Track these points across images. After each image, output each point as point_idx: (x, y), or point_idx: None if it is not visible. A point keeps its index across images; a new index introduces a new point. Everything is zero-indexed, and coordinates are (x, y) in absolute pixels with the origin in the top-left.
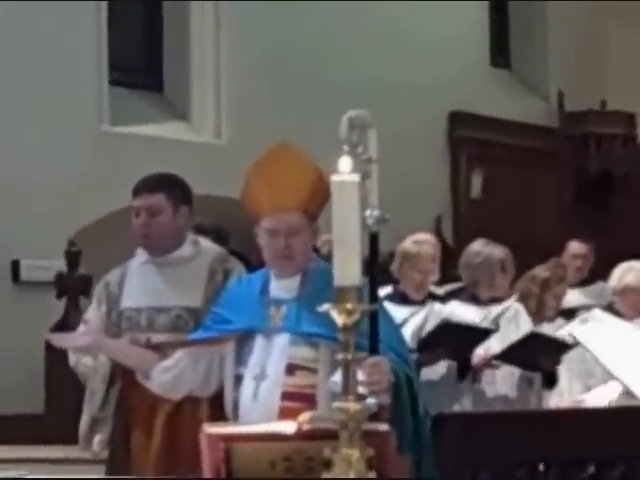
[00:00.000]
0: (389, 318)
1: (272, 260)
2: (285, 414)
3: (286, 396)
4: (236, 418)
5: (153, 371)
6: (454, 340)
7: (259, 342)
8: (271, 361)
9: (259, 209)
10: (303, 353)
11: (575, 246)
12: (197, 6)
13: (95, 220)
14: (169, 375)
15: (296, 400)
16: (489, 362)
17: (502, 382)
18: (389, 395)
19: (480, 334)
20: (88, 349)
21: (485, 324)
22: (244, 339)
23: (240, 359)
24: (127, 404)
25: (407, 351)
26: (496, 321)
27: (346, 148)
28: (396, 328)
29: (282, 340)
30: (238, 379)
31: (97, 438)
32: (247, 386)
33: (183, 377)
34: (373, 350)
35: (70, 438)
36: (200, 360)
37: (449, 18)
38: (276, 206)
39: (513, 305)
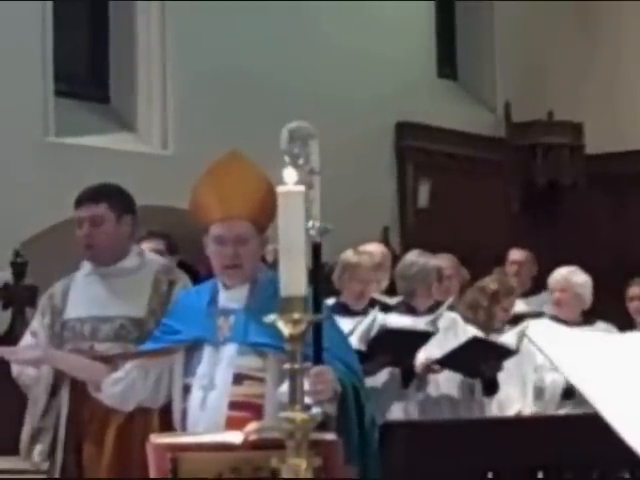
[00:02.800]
0: (337, 327)
1: (220, 269)
2: (233, 424)
3: (234, 405)
4: (184, 428)
5: (103, 383)
6: (395, 346)
7: (207, 352)
8: (219, 371)
9: (208, 217)
10: (251, 363)
11: (512, 253)
12: (143, 17)
13: (41, 231)
14: (119, 387)
15: (244, 410)
16: (431, 368)
17: (446, 383)
18: (335, 404)
19: (420, 337)
20: (37, 362)
21: (427, 326)
22: (193, 349)
23: (189, 369)
24: (77, 416)
25: (355, 361)
26: (433, 324)
27: (287, 159)
28: (344, 337)
29: (230, 350)
30: (187, 389)
31: (38, 448)
32: (195, 396)
33: (133, 388)
34: (317, 359)
35: (12, 448)
36: (150, 371)
37: (396, 30)
38: (225, 214)
39: (448, 314)
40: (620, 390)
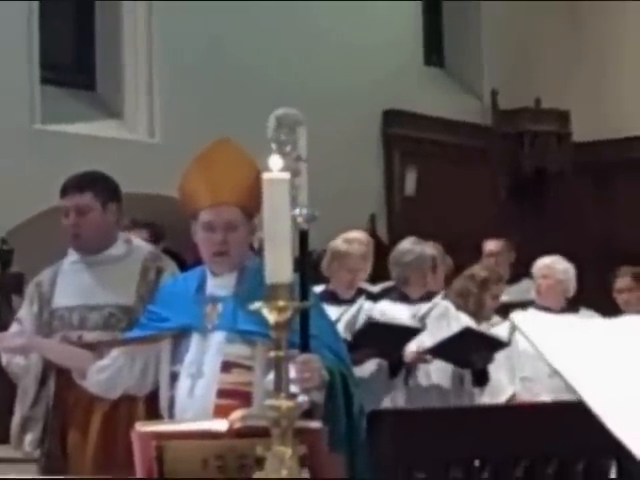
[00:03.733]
0: (325, 315)
1: (208, 256)
2: (221, 411)
3: (222, 393)
4: (172, 416)
5: (89, 371)
6: (381, 340)
7: (195, 340)
8: (207, 359)
9: (197, 203)
10: (239, 351)
11: (488, 244)
12: (129, 4)
13: (27, 219)
14: (105, 374)
15: (232, 398)
16: (422, 357)
17: (437, 373)
18: (322, 392)
19: (407, 333)
20: (22, 350)
21: (414, 322)
22: (180, 337)
23: (176, 357)
24: (63, 404)
25: (343, 349)
26: (423, 319)
27: (274, 146)
28: (332, 325)
29: (218, 338)
30: (174, 377)
31: (28, 437)
32: (183, 384)
33: (119, 376)
34: (304, 347)
35: (1, 437)
36: (136, 359)
37: (383, 17)
38: (215, 200)
39: (441, 302)
40: (606, 377)
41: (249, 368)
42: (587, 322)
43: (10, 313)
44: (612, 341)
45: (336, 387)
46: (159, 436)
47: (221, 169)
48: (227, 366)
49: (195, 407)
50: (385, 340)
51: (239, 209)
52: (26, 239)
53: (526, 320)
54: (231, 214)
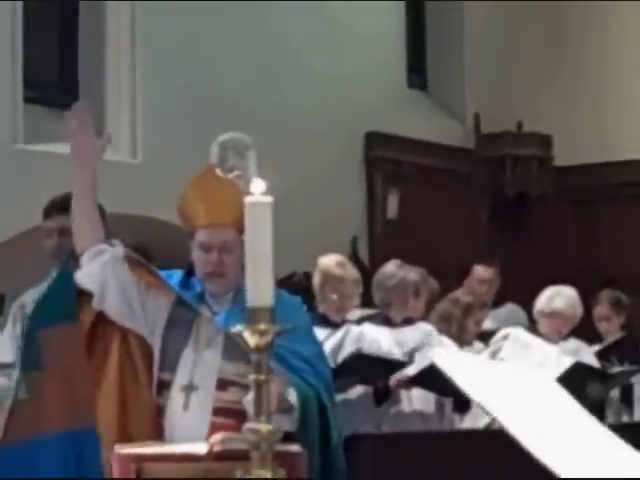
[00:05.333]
0: (316, 338)
1: (204, 275)
2: (216, 430)
3: (217, 412)
4: (160, 424)
5: (85, 254)
6: (366, 370)
7: (188, 353)
8: (201, 374)
9: (194, 222)
10: (235, 369)
11: (480, 271)
12: (113, 24)
13: (8, 238)
14: (98, 264)
15: (228, 416)
16: (404, 384)
17: (419, 399)
18: (289, 417)
19: (394, 366)
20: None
21: (400, 354)
22: (170, 341)
23: (165, 363)
24: None
25: (328, 372)
26: (413, 351)
27: (219, 172)
28: (322, 350)
29: (213, 354)
30: (162, 385)
31: None
32: (176, 397)
33: (111, 277)
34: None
35: None
36: (126, 287)
37: (366, 40)
38: (212, 220)
39: (422, 325)
40: (515, 405)
41: (245, 387)
42: (493, 362)
43: None
44: (513, 379)
45: (310, 414)
46: (139, 458)
47: (219, 190)
48: (223, 384)
49: (189, 423)
50: (371, 371)
51: (235, 230)
52: (7, 259)
53: (445, 359)
54: (228, 235)
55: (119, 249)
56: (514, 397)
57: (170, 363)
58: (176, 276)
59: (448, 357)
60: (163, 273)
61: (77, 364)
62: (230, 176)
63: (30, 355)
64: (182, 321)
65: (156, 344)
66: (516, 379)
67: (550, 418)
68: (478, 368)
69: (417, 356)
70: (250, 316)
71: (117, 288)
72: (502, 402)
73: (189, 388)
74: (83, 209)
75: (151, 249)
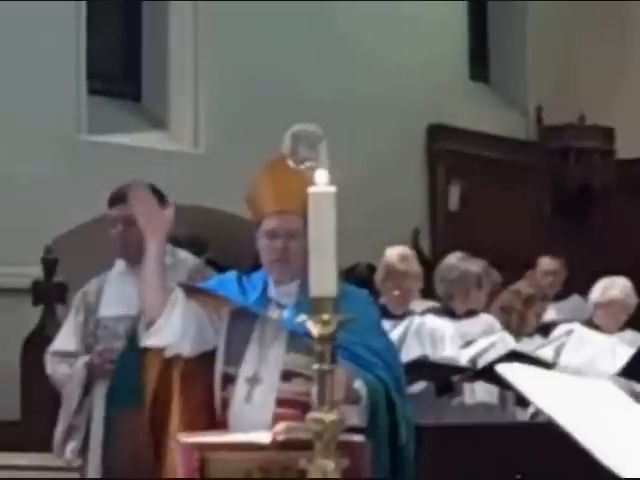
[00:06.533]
0: (386, 333)
1: (269, 263)
2: (279, 420)
3: (281, 402)
4: (224, 417)
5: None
6: (429, 375)
7: (253, 346)
8: (266, 366)
9: (262, 209)
10: (299, 360)
11: (546, 262)
12: (176, 15)
13: (72, 228)
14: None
15: (291, 407)
16: (468, 378)
17: (482, 391)
18: (356, 410)
19: (458, 371)
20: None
21: (468, 356)
22: (235, 336)
23: (230, 358)
24: None
25: (400, 369)
26: (479, 356)
27: (291, 164)
28: (393, 345)
29: (278, 346)
30: (227, 378)
31: (70, 446)
32: (240, 389)
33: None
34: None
35: (46, 445)
36: (200, 322)
37: (428, 32)
38: (280, 207)
39: (486, 317)
40: (582, 414)
41: (309, 378)
42: (553, 374)
43: (54, 322)
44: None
45: (379, 409)
46: (202, 447)
47: (288, 178)
48: (287, 375)
49: (253, 414)
50: (433, 376)
51: (302, 219)
52: (70, 249)
53: (510, 370)
54: (295, 223)
55: (180, 293)
56: (577, 404)
57: (234, 357)
58: (230, 282)
59: (512, 367)
60: (216, 280)
61: (140, 447)
62: (301, 167)
63: (107, 432)
64: (246, 316)
65: (220, 341)
66: (579, 387)
67: (610, 420)
68: (541, 377)
69: (479, 349)
70: (313, 306)
71: (195, 329)
72: (566, 409)
73: (253, 381)
74: (151, 277)
75: (206, 240)
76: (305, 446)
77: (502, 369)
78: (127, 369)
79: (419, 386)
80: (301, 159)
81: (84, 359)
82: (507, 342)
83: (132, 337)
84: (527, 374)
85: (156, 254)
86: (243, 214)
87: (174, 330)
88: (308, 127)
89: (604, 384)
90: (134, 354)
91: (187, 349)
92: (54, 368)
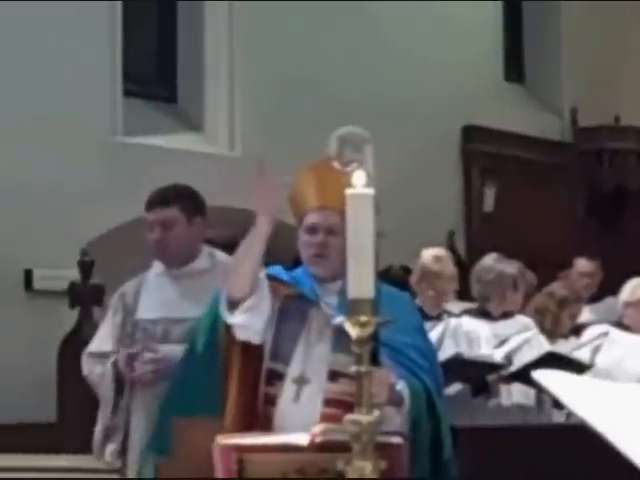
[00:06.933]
0: (429, 338)
1: (308, 258)
2: (326, 420)
3: (328, 402)
4: (266, 413)
5: (247, 303)
6: (466, 374)
7: (300, 346)
8: (313, 366)
9: (303, 205)
10: (346, 360)
11: (582, 264)
12: (211, 15)
13: (108, 230)
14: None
15: (338, 407)
16: (504, 380)
17: (518, 392)
18: (399, 412)
19: (493, 368)
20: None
21: (502, 353)
22: (282, 334)
23: (277, 354)
24: None
25: (440, 370)
26: (513, 353)
27: (337, 166)
28: (431, 343)
29: (324, 346)
30: (272, 374)
31: (110, 448)
32: (288, 387)
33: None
34: (375, 361)
35: (82, 447)
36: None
37: (463, 33)
38: (322, 203)
39: (522, 319)
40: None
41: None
42: (587, 379)
43: (90, 324)
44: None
45: (420, 413)
46: (240, 449)
47: (331, 175)
48: (334, 375)
49: (300, 414)
50: (470, 374)
51: (343, 216)
52: (107, 251)
53: (544, 376)
54: (335, 218)
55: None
56: (611, 407)
57: (282, 354)
58: (282, 275)
59: (547, 373)
60: (267, 274)
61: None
62: (347, 170)
63: (160, 439)
64: (295, 313)
65: (268, 336)
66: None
67: None
68: (576, 382)
69: (517, 358)
70: (351, 308)
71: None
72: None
73: (301, 381)
74: (253, 252)
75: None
76: (343, 448)
77: (537, 375)
78: (205, 380)
79: (455, 387)
80: (347, 161)
81: (113, 358)
82: (540, 340)
83: (193, 341)
84: (561, 379)
85: (262, 231)
86: (279, 216)
87: (262, 317)
88: (354, 129)
89: (638, 387)
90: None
91: (257, 338)
92: (90, 369)
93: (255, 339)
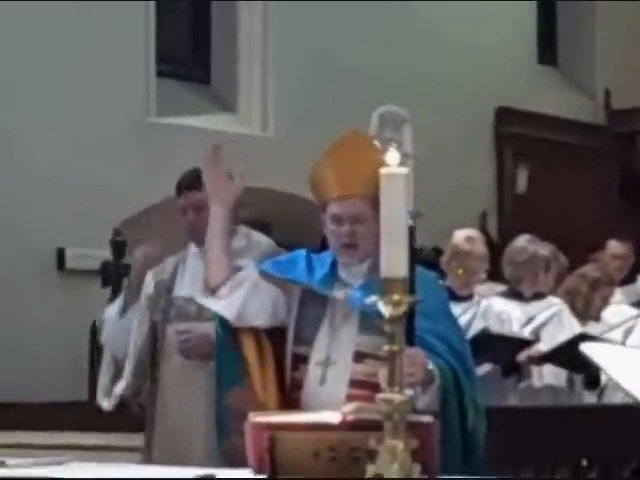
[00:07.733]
0: (455, 318)
1: (336, 248)
2: (352, 401)
3: (353, 384)
4: (292, 397)
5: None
6: (494, 349)
7: (324, 328)
8: (338, 348)
9: (326, 194)
10: (371, 341)
11: (614, 246)
12: None
13: (141, 210)
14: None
15: (363, 388)
16: (535, 361)
17: (550, 374)
18: (429, 393)
19: (521, 343)
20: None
21: (530, 328)
22: (305, 318)
23: (300, 339)
24: None
25: (469, 354)
26: (540, 328)
27: (378, 144)
28: (461, 331)
29: (350, 327)
30: (297, 358)
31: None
32: (313, 370)
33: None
34: (410, 342)
35: (114, 425)
36: (275, 299)
37: (496, 15)
38: (343, 192)
39: (558, 308)
40: None
41: (381, 359)
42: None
43: None
44: None
45: (448, 394)
46: (272, 427)
47: (350, 161)
48: (359, 356)
49: (326, 395)
50: (498, 350)
51: (367, 202)
52: (139, 231)
53: (596, 349)
54: (359, 207)
55: (253, 272)
56: None
57: (306, 338)
58: (301, 259)
59: (595, 346)
60: (285, 257)
61: None
62: (387, 148)
63: (221, 420)
64: (317, 297)
65: (291, 321)
66: None
67: None
68: (623, 356)
69: (545, 331)
70: (384, 287)
71: (269, 303)
72: None
73: (326, 363)
74: (215, 244)
75: (269, 222)
76: (374, 426)
77: (585, 348)
78: (221, 353)
79: (484, 368)
80: (386, 140)
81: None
82: (572, 321)
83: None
84: (610, 352)
85: (218, 220)
86: (310, 197)
87: (234, 306)
88: (393, 108)
89: None
90: (224, 343)
91: (259, 322)
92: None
93: (237, 323)
